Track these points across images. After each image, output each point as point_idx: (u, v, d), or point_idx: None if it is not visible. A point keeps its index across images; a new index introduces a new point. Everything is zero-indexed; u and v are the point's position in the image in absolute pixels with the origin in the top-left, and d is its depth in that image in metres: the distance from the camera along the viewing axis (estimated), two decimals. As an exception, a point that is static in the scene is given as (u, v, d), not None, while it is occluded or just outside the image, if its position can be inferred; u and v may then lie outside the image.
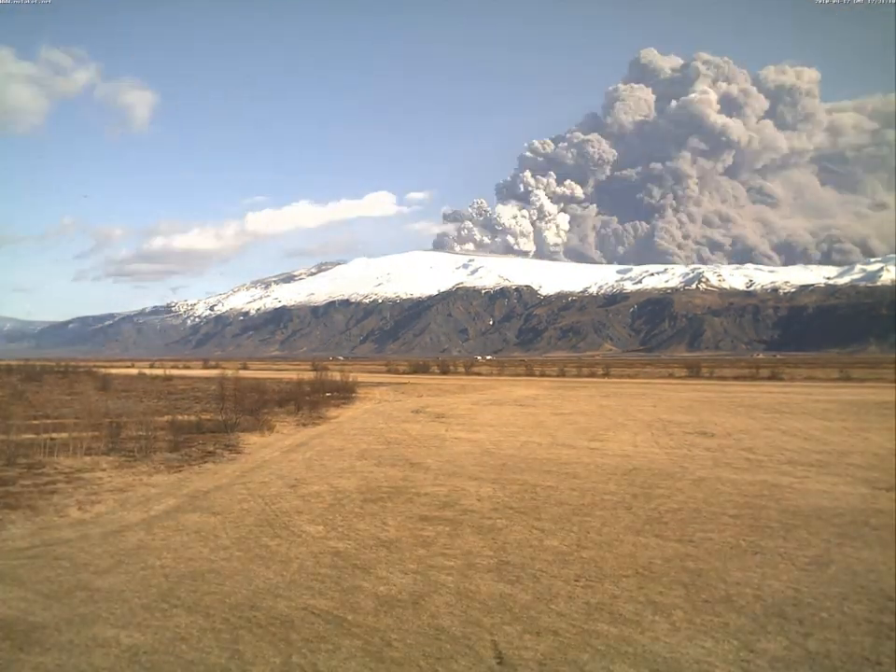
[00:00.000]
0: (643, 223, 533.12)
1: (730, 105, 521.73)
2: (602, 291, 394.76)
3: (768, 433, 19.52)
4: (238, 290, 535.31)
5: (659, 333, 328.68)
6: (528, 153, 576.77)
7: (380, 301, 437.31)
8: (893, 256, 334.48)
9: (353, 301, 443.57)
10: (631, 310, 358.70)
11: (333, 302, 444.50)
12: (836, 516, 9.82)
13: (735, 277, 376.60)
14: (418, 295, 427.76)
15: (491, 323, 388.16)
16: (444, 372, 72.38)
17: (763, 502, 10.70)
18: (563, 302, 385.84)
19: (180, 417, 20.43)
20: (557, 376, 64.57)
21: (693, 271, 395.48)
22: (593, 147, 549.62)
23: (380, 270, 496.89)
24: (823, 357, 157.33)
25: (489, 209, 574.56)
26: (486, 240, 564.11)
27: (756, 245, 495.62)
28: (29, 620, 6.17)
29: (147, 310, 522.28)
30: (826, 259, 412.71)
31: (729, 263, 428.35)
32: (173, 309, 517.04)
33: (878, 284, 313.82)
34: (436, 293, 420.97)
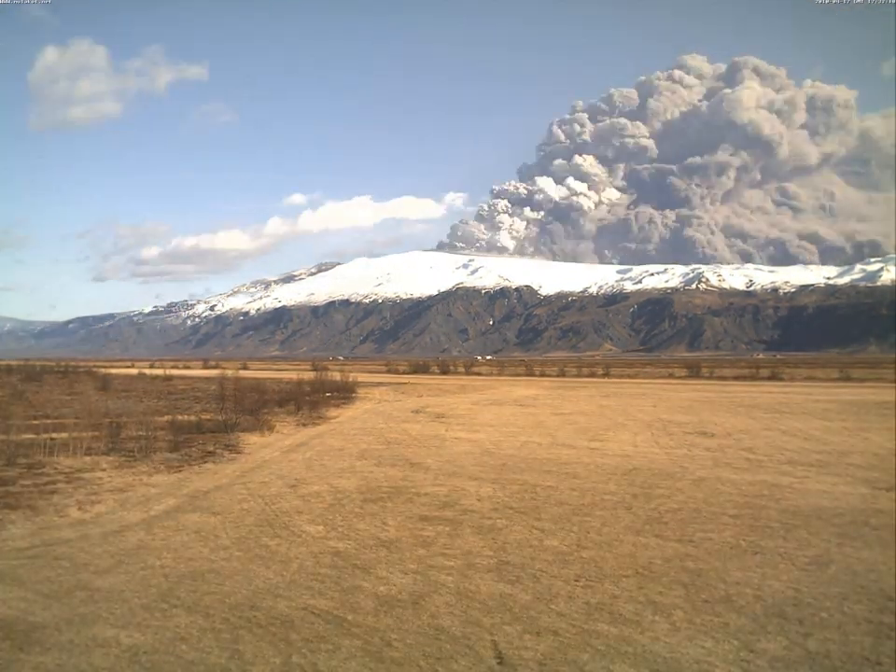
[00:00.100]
0: (674, 212, 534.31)
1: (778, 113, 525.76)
2: (602, 291, 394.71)
3: (768, 433, 19.52)
4: (238, 290, 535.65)
5: (659, 333, 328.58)
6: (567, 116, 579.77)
7: (380, 301, 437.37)
8: (893, 256, 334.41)
9: (353, 301, 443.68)
10: (631, 310, 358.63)
11: (333, 302, 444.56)
12: (836, 516, 9.82)
13: (734, 277, 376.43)
14: (418, 295, 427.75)
15: (491, 323, 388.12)
16: (444, 372, 72.39)
17: (762, 502, 10.70)
18: (563, 302, 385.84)
19: (180, 417, 20.43)
20: (557, 376, 64.56)
21: (692, 271, 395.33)
22: (632, 135, 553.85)
23: (380, 270, 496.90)
24: (823, 357, 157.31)
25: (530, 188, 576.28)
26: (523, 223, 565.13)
27: (789, 241, 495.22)
28: (29, 620, 6.17)
29: (146, 310, 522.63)
30: (858, 257, 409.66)
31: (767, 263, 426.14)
32: (173, 309, 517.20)
33: (878, 284, 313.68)
34: (436, 293, 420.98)
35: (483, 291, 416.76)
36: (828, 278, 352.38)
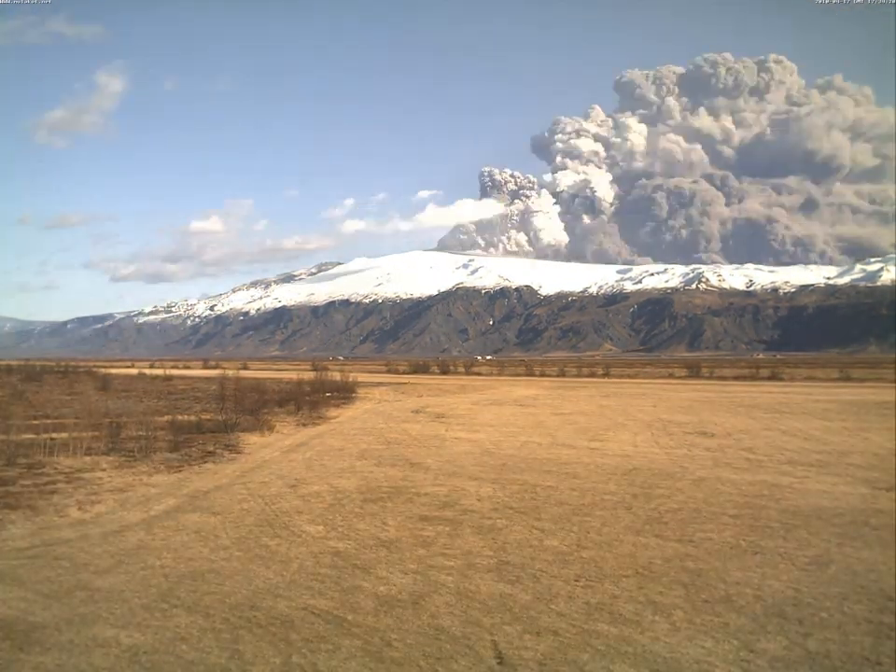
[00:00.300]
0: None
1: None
2: (602, 291, 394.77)
3: (768, 433, 19.52)
4: (238, 290, 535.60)
5: (659, 333, 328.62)
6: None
7: (380, 301, 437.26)
8: (893, 256, 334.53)
9: (353, 301, 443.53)
10: (631, 310, 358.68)
11: (333, 302, 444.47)
12: (836, 516, 9.82)
13: (734, 277, 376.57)
14: (418, 295, 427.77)
15: (491, 323, 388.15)
16: (444, 372, 72.39)
17: (763, 502, 10.70)
18: (563, 302, 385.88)
19: (180, 417, 20.43)
20: (557, 376, 64.56)
21: (692, 270, 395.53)
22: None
23: (380, 270, 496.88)
24: (823, 357, 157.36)
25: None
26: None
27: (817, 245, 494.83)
28: (29, 620, 6.17)
29: (146, 310, 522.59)
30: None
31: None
32: (173, 309, 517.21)
33: (878, 284, 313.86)
34: (436, 293, 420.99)
35: (483, 291, 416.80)
36: (828, 278, 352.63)
